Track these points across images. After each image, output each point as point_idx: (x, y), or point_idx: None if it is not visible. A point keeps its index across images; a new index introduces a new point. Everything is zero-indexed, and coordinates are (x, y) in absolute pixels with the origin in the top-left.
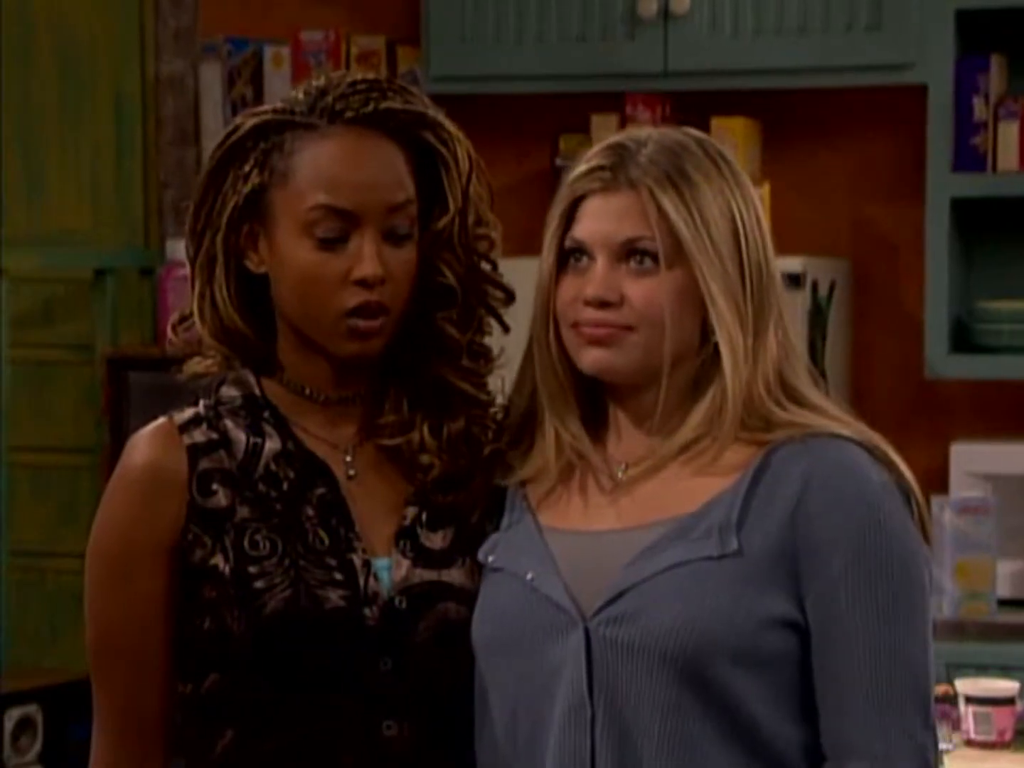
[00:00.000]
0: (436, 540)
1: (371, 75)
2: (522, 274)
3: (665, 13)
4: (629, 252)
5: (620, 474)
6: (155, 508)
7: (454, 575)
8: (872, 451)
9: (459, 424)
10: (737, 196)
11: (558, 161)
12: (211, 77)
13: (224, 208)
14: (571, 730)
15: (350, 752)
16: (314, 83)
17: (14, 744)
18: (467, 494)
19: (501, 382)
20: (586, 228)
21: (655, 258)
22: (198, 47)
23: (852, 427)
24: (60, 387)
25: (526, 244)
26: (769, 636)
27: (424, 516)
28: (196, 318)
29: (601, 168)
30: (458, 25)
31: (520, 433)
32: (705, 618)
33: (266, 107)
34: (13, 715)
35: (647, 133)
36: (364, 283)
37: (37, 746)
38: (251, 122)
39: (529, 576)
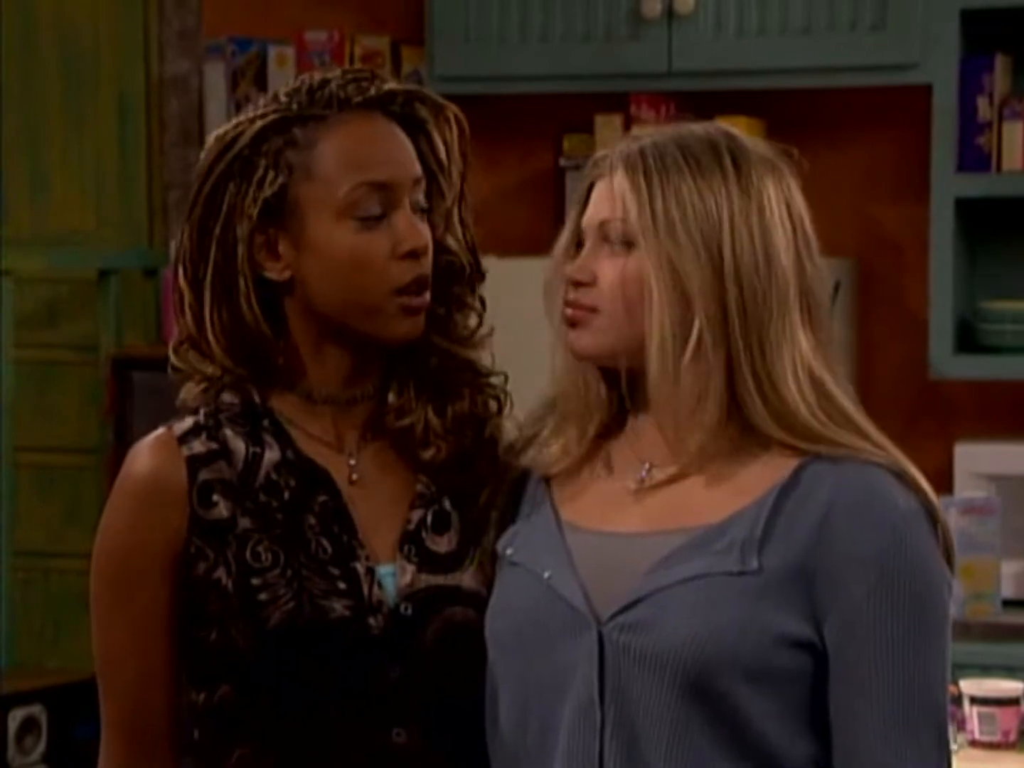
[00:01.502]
0: (442, 543)
1: (357, 66)
2: (527, 273)
3: (669, 13)
4: (604, 235)
5: (643, 474)
6: (156, 520)
7: (462, 578)
8: (901, 476)
9: (463, 403)
10: (734, 197)
11: (562, 161)
12: (215, 77)
13: (240, 219)
14: (580, 732)
15: (361, 760)
16: (300, 82)
17: (18, 744)
18: (474, 474)
19: (491, 359)
20: (586, 213)
21: (624, 241)
22: (202, 47)
23: (883, 450)
24: (64, 387)
25: (530, 244)
26: (782, 655)
27: (430, 519)
28: (210, 336)
29: (606, 157)
30: (462, 25)
31: (546, 425)
32: (718, 634)
33: (252, 114)
34: (17, 715)
35: (672, 126)
36: (414, 255)
37: (41, 746)
38: (252, 128)
39: (546, 575)
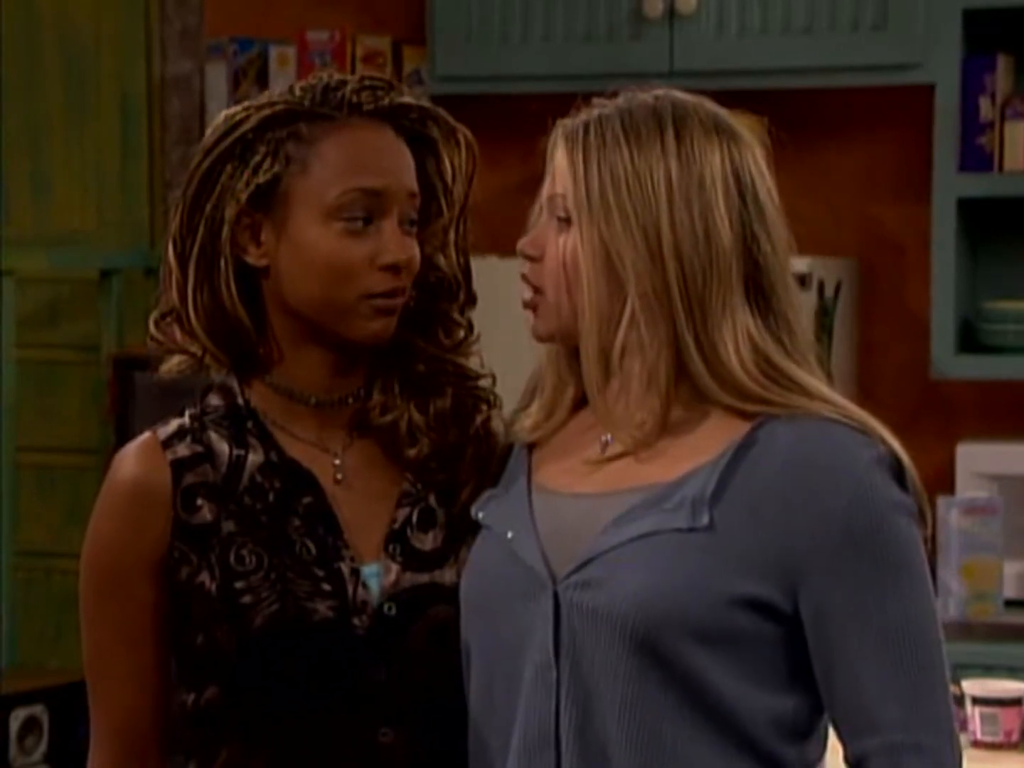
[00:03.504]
0: (427, 541)
1: (377, 74)
2: None
3: (671, 13)
4: (552, 209)
5: (607, 438)
6: (141, 525)
7: (446, 575)
8: (861, 429)
9: (446, 400)
10: (672, 170)
11: None
12: (216, 77)
13: (230, 200)
14: (538, 691)
15: (347, 761)
16: (317, 79)
17: (20, 744)
18: (458, 471)
19: (481, 361)
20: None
21: (565, 218)
22: (203, 47)
23: (842, 408)
24: (66, 387)
25: None
26: (735, 615)
27: (415, 517)
28: (191, 313)
29: (557, 128)
30: (463, 25)
31: (531, 394)
32: (664, 592)
33: (263, 101)
34: (19, 715)
35: (626, 96)
36: (395, 268)
37: (43, 746)
38: (259, 114)
39: (509, 535)
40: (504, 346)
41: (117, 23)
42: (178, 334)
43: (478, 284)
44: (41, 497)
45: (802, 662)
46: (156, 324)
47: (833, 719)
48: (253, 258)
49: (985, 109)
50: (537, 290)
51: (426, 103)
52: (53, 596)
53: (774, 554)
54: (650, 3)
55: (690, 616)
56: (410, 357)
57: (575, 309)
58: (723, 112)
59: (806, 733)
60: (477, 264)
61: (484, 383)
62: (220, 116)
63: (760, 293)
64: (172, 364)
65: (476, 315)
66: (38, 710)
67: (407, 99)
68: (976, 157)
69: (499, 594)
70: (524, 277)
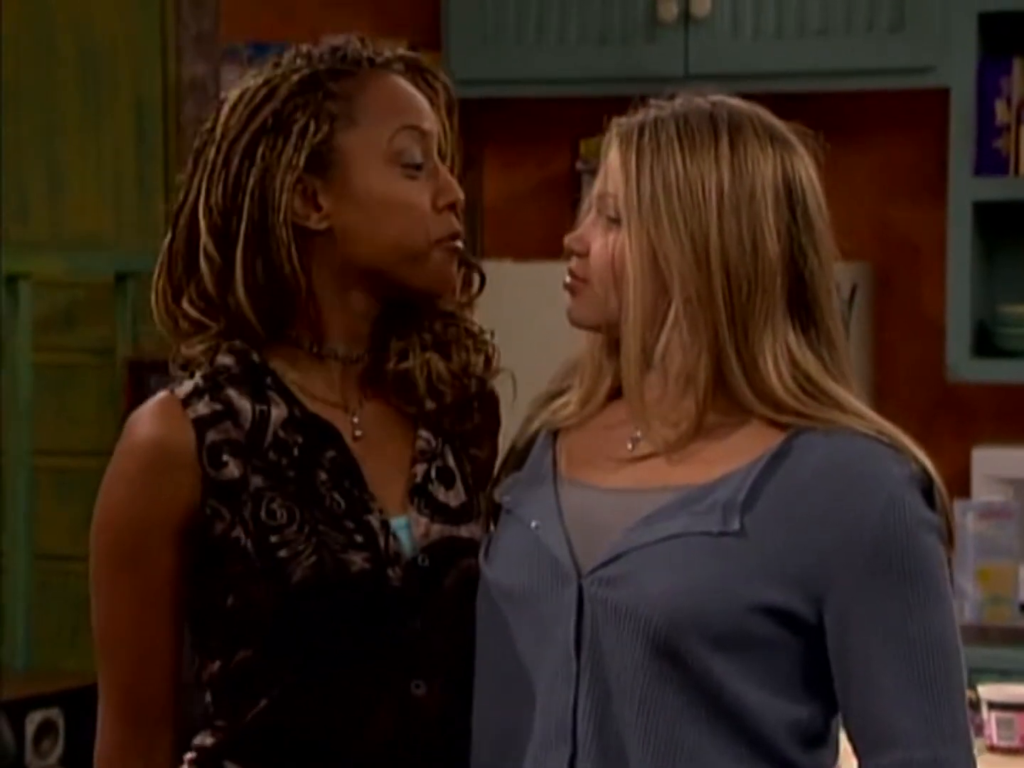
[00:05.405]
0: (451, 496)
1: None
2: (543, 277)
3: (686, 16)
4: (601, 207)
5: (638, 434)
6: (166, 486)
7: (473, 530)
8: (893, 446)
9: (466, 355)
10: (724, 178)
11: (578, 165)
12: (232, 81)
13: (283, 171)
14: (557, 684)
15: (380, 713)
16: (304, 50)
17: (36, 747)
18: (474, 424)
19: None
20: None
21: (615, 217)
22: (219, 51)
23: (876, 425)
24: (82, 390)
25: (546, 247)
26: (756, 622)
27: (433, 473)
28: (240, 290)
29: (613, 126)
30: (479, 29)
31: (567, 384)
32: (689, 595)
33: (279, 72)
34: (35, 718)
35: (684, 98)
36: (454, 207)
37: (59, 749)
38: (288, 83)
39: (534, 524)
40: (519, 348)
41: (133, 26)
42: (191, 317)
43: (493, 288)
44: (57, 500)
45: (819, 671)
46: (167, 310)
47: (849, 731)
48: (314, 223)
49: (1001, 112)
50: (582, 280)
51: (405, 52)
52: (69, 599)
53: (801, 563)
54: (665, 6)
55: (712, 622)
56: (427, 313)
57: (618, 305)
58: (779, 123)
59: (820, 739)
60: (492, 268)
61: (486, 337)
62: (234, 95)
63: (804, 307)
64: (196, 351)
65: (491, 318)
66: (54, 713)
67: (400, 51)
68: (992, 160)
69: (521, 583)
70: (570, 270)
